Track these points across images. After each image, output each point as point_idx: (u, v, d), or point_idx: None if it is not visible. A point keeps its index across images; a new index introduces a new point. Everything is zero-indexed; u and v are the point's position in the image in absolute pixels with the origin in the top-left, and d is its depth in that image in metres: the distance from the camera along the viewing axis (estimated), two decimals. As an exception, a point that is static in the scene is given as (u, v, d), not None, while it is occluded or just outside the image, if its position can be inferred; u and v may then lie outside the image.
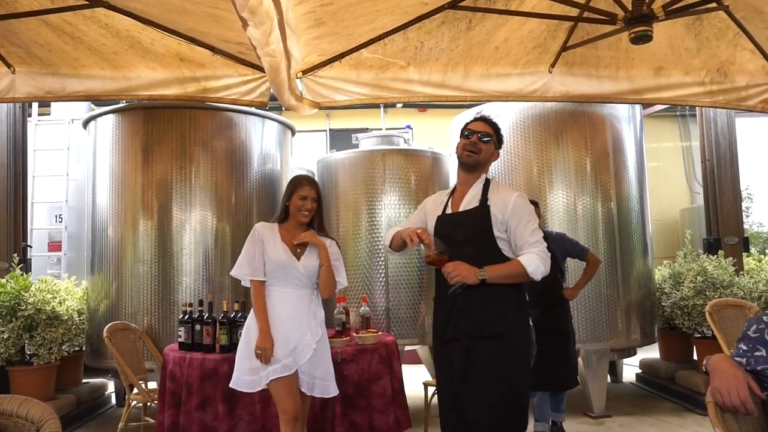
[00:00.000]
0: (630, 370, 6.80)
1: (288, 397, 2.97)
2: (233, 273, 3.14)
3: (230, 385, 3.07)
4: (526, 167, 5.41)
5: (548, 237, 4.43)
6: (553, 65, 4.52)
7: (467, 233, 2.64)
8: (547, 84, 4.59)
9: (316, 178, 6.49)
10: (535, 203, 4.48)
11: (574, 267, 4.98)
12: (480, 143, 2.72)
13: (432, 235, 2.72)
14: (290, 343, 3.00)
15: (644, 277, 5.52)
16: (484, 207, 2.64)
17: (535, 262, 2.52)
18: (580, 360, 5.09)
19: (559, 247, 4.39)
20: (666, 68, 4.63)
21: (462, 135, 2.78)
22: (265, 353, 2.95)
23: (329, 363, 3.16)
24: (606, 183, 5.39)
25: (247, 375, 3.02)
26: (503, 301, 2.57)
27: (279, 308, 3.05)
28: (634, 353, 5.78)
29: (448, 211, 2.78)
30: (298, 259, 3.09)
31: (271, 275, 3.08)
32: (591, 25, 4.10)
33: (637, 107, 5.77)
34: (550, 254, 2.60)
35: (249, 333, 3.07)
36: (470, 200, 2.71)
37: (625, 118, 5.59)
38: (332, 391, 3.13)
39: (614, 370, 6.56)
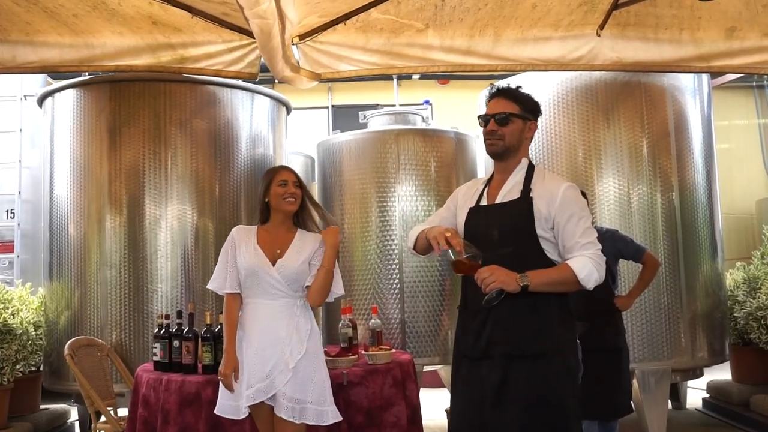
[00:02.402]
0: (695, 394, 6.76)
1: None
2: (209, 286, 3.21)
3: (215, 412, 3.08)
4: (570, 150, 5.38)
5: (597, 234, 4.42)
6: (602, 27, 4.48)
7: (505, 231, 2.60)
8: (594, 49, 4.55)
9: (316, 164, 6.53)
10: (582, 193, 4.48)
11: (628, 271, 4.95)
12: (500, 127, 2.67)
13: (462, 237, 2.64)
14: (267, 364, 3.00)
15: (713, 282, 5.48)
16: (526, 199, 2.60)
17: (588, 267, 2.49)
18: (634, 382, 5.06)
19: (610, 246, 4.34)
20: (740, 29, 4.58)
21: (479, 121, 2.75)
22: (225, 381, 3.00)
23: (324, 384, 3.13)
24: (666, 169, 5.34)
25: (229, 400, 3.05)
26: (546, 313, 2.54)
27: (253, 323, 3.08)
28: (701, 374, 5.74)
29: (483, 202, 2.74)
30: (274, 263, 3.09)
31: (245, 285, 3.12)
32: (648, -23, 4.08)
33: (705, 77, 5.71)
34: (604, 259, 2.56)
35: (240, 347, 3.09)
36: (509, 191, 2.68)
37: (689, 90, 5.54)
38: (331, 417, 3.09)
39: (676, 395, 6.53)
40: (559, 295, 2.57)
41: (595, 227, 4.43)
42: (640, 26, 4.54)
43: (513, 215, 2.61)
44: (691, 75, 5.50)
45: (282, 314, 3.09)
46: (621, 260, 4.52)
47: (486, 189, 2.78)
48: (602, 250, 4.21)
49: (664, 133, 5.38)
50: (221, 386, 3.09)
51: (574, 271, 2.49)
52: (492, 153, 2.72)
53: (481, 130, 2.79)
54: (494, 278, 2.44)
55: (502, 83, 5.54)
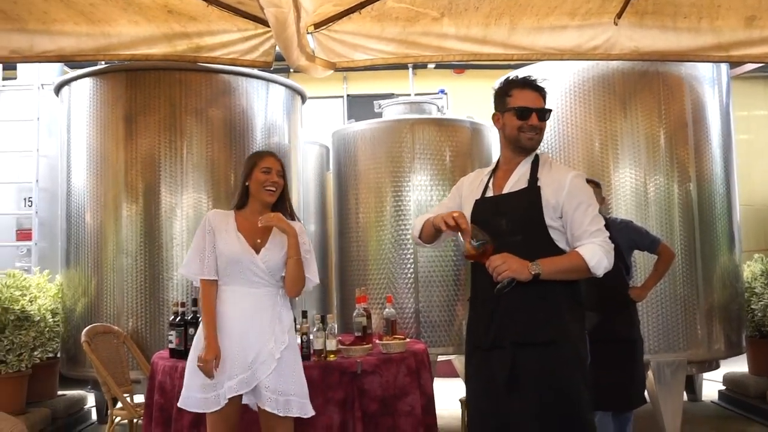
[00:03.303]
0: (711, 386, 6.73)
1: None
2: (181, 271, 3.16)
3: (178, 405, 3.05)
4: (586, 140, 5.35)
5: (611, 225, 4.40)
6: (619, 15, 4.45)
7: (514, 220, 2.62)
8: (611, 38, 4.53)
9: (331, 153, 6.54)
10: (596, 184, 4.46)
11: (643, 261, 4.94)
12: (541, 122, 2.68)
13: (470, 223, 2.64)
14: (249, 354, 2.97)
15: (730, 274, 5.44)
16: (533, 188, 2.62)
17: (598, 254, 2.51)
18: (649, 374, 5.05)
19: (624, 237, 4.34)
20: (761, 18, 4.53)
21: (513, 112, 2.68)
22: (205, 367, 2.91)
23: (302, 377, 3.11)
24: (684, 160, 5.31)
25: (199, 392, 2.98)
26: (555, 301, 2.56)
27: (235, 311, 3.02)
28: (717, 366, 5.72)
29: (489, 193, 2.76)
30: (258, 252, 3.06)
31: (224, 272, 3.06)
32: (667, -34, 4.04)
33: (723, 67, 5.66)
34: (613, 246, 2.58)
35: (200, 342, 3.03)
36: (517, 180, 2.69)
37: (708, 80, 5.49)
38: (309, 410, 3.07)
39: (692, 387, 6.50)
40: (568, 283, 2.58)
41: (609, 218, 4.47)
42: (659, 15, 4.50)
43: (522, 205, 2.62)
44: (710, 64, 5.45)
45: (265, 304, 3.06)
46: (636, 251, 4.50)
47: (491, 179, 2.80)
48: (616, 240, 4.22)
49: (681, 124, 5.34)
50: (187, 377, 3.03)
51: (585, 258, 2.51)
52: (531, 148, 2.71)
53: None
54: (506, 266, 2.47)
55: (518, 73, 5.53)
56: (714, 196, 5.40)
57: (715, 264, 5.34)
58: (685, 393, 5.58)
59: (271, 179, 3.09)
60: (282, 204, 3.18)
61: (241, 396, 3.00)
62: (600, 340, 4.23)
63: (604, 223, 2.62)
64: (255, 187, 3.10)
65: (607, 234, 2.59)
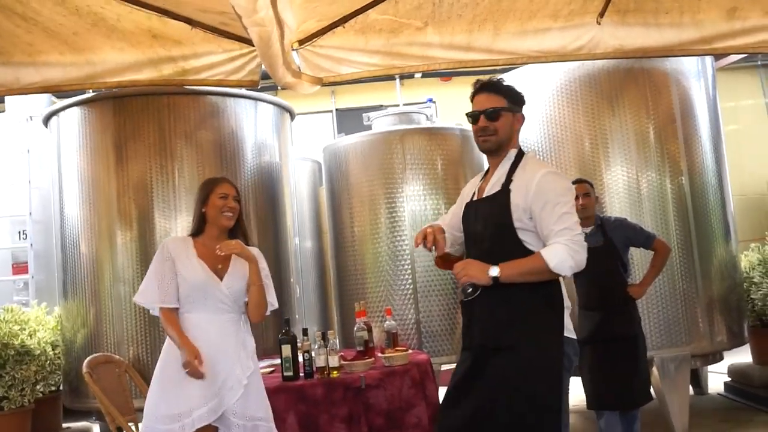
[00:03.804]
0: (717, 378, 6.72)
1: None
2: (137, 299, 3.12)
3: None
4: (576, 140, 5.35)
5: (605, 223, 4.41)
6: (601, 15, 4.47)
7: (486, 225, 2.64)
8: (595, 38, 4.55)
9: (322, 168, 6.53)
10: (589, 183, 4.46)
11: (639, 258, 4.93)
12: (491, 123, 2.67)
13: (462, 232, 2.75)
14: (216, 381, 2.95)
15: (728, 265, 5.44)
16: (503, 192, 2.61)
17: (560, 254, 2.46)
18: (654, 370, 5.04)
19: (619, 235, 4.35)
20: (741, 9, 4.55)
21: (469, 120, 2.74)
22: (192, 368, 2.87)
23: (267, 401, 3.13)
24: (674, 154, 5.32)
25: (161, 423, 2.92)
26: (518, 304, 2.54)
27: (199, 338, 2.99)
28: (721, 358, 5.71)
29: (476, 197, 2.78)
30: (221, 278, 3.06)
31: (187, 299, 3.05)
32: (646, -37, 4.06)
33: (708, 59, 5.68)
34: (584, 245, 2.52)
35: (164, 367, 3.01)
36: (494, 184, 2.70)
37: (693, 73, 5.51)
38: None
39: (697, 380, 6.49)
40: (535, 286, 2.54)
41: (603, 217, 4.47)
42: (640, 12, 4.52)
43: (492, 209, 2.63)
44: (695, 58, 5.46)
45: (230, 330, 3.06)
46: (632, 249, 4.50)
47: (480, 183, 2.82)
48: (612, 239, 4.20)
49: (670, 118, 5.35)
50: (147, 408, 2.99)
51: (545, 258, 2.47)
52: (486, 150, 2.74)
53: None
54: (464, 272, 2.54)
55: (503, 76, 5.54)
56: (707, 188, 5.41)
57: (712, 256, 5.34)
58: (690, 387, 5.57)
59: (228, 204, 3.11)
60: (238, 229, 3.20)
61: (209, 425, 2.95)
62: (601, 339, 4.26)
63: (575, 221, 2.54)
64: (212, 212, 3.11)
65: (577, 231, 2.51)
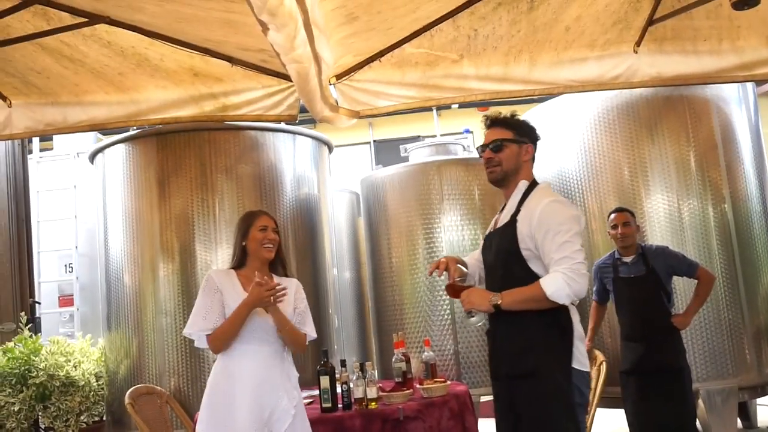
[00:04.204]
0: (766, 411, 6.52)
1: None
2: (186, 332, 3.15)
3: None
4: (615, 169, 5.32)
5: (647, 252, 4.35)
6: (638, 43, 4.45)
7: (497, 255, 2.76)
8: (632, 67, 4.52)
9: (360, 200, 6.57)
10: (630, 212, 4.42)
11: (683, 288, 4.84)
12: (496, 154, 2.81)
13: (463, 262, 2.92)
14: (264, 411, 2.98)
15: (775, 294, 5.31)
16: (511, 222, 2.72)
17: (557, 283, 2.51)
18: (700, 403, 4.92)
19: (661, 263, 4.29)
20: (781, 35, 4.50)
21: (478, 152, 2.93)
22: (265, 287, 2.94)
23: (311, 431, 3.17)
24: (716, 181, 5.25)
25: None
26: (530, 330, 2.62)
27: (247, 369, 3.03)
28: (771, 391, 5.55)
29: (493, 229, 2.92)
30: (266, 311, 3.08)
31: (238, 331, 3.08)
32: (682, -9, 4.04)
33: (749, 85, 5.63)
34: (584, 274, 2.55)
35: (212, 394, 3.05)
36: (506, 215, 2.81)
37: (734, 99, 5.45)
38: None
39: (746, 413, 6.29)
40: (543, 313, 2.58)
41: (645, 245, 4.41)
42: (678, 39, 4.50)
43: (502, 239, 2.74)
44: (735, 84, 5.41)
45: (274, 361, 3.10)
46: (676, 278, 4.43)
47: (498, 215, 2.94)
48: (655, 268, 4.17)
49: (711, 145, 5.29)
50: None
51: (543, 287, 2.53)
52: (492, 180, 2.88)
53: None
54: (468, 299, 2.66)
55: (546, 105, 5.57)
56: (751, 215, 5.32)
57: (758, 284, 5.23)
58: (739, 420, 5.41)
59: (268, 236, 3.17)
60: (278, 260, 3.27)
61: None
62: (646, 371, 4.19)
63: (577, 248, 2.56)
64: (253, 245, 3.17)
65: (578, 260, 2.53)
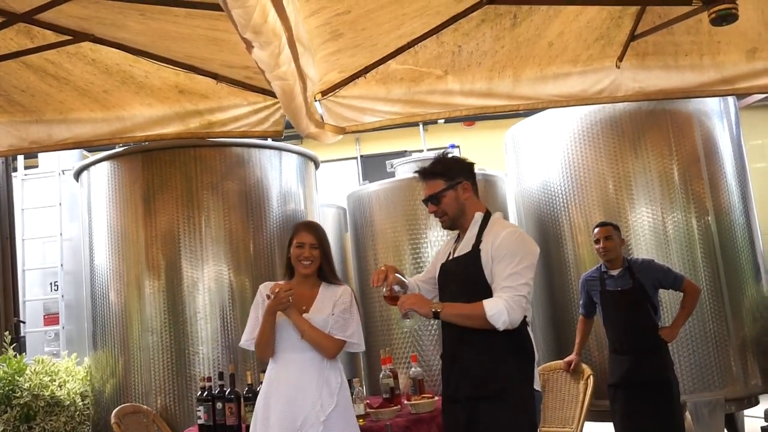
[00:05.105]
0: (754, 423, 6.53)
1: None
2: (243, 344, 3.24)
3: None
4: (600, 183, 5.34)
5: (633, 265, 4.36)
6: (620, 58, 4.49)
7: (460, 282, 2.84)
8: (615, 81, 4.56)
9: (347, 215, 6.57)
10: (615, 227, 4.44)
11: (669, 300, 4.86)
12: (437, 207, 2.93)
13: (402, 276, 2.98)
14: (297, 418, 2.99)
15: (759, 305, 5.34)
16: (474, 251, 2.80)
17: (498, 307, 2.62)
18: (687, 415, 4.92)
19: (647, 276, 4.30)
20: (762, 49, 4.55)
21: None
22: (280, 292, 2.99)
23: None
24: (700, 194, 5.28)
25: None
26: (498, 349, 2.69)
27: (283, 378, 3.09)
28: (757, 402, 5.55)
29: (451, 257, 2.98)
30: (286, 315, 3.11)
31: (278, 339, 3.14)
32: (662, 7, 4.07)
33: (731, 99, 5.67)
34: (524, 307, 2.67)
35: (258, 399, 3.15)
36: (465, 244, 2.88)
37: (716, 113, 5.49)
38: None
39: (733, 425, 6.29)
40: (513, 335, 2.69)
41: (630, 259, 4.42)
42: (660, 55, 4.54)
43: (466, 267, 2.82)
44: (717, 98, 5.46)
45: (311, 367, 3.09)
46: (661, 291, 4.45)
47: (454, 244, 3.02)
48: (640, 281, 4.20)
49: (694, 159, 5.33)
50: None
51: (485, 308, 2.63)
52: (446, 228, 3.04)
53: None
54: (408, 302, 2.74)
55: (531, 120, 5.60)
56: (734, 227, 5.35)
57: (743, 296, 5.26)
58: (726, 431, 5.42)
59: (304, 255, 3.18)
60: (327, 271, 3.27)
61: None
62: (634, 384, 4.19)
63: (524, 281, 2.67)
64: (293, 260, 3.23)
65: (522, 293, 2.65)
